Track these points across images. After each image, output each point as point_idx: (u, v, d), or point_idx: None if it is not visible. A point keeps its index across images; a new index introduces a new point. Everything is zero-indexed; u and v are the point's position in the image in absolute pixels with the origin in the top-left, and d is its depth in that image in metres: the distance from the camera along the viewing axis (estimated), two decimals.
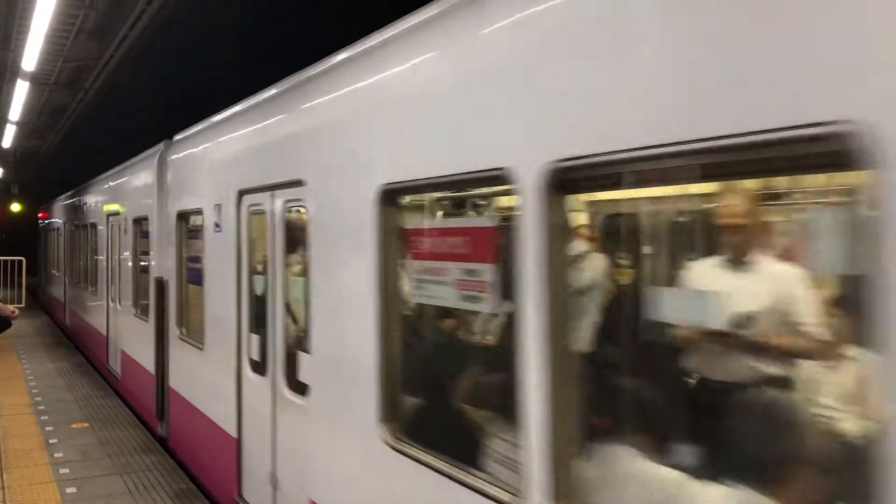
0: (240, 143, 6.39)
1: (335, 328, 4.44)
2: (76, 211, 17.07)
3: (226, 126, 6.85)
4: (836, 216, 2.35)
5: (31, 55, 12.62)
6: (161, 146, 9.15)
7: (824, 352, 2.90)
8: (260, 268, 5.87)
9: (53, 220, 22.01)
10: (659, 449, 2.84)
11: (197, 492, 7.15)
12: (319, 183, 4.67)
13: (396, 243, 3.88)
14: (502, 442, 3.20)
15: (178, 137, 8.64)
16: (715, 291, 2.76)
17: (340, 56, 4.67)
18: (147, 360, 9.32)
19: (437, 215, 4.11)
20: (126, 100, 24.31)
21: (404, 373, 3.90)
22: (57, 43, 13.54)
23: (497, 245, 3.18)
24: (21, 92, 16.25)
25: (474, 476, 3.18)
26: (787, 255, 3.10)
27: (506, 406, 2.98)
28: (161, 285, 8.58)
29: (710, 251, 3.34)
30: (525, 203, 2.76)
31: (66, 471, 7.59)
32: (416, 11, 3.83)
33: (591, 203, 3.50)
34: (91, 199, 15.14)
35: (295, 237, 5.27)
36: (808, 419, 2.78)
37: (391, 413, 3.83)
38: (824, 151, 1.93)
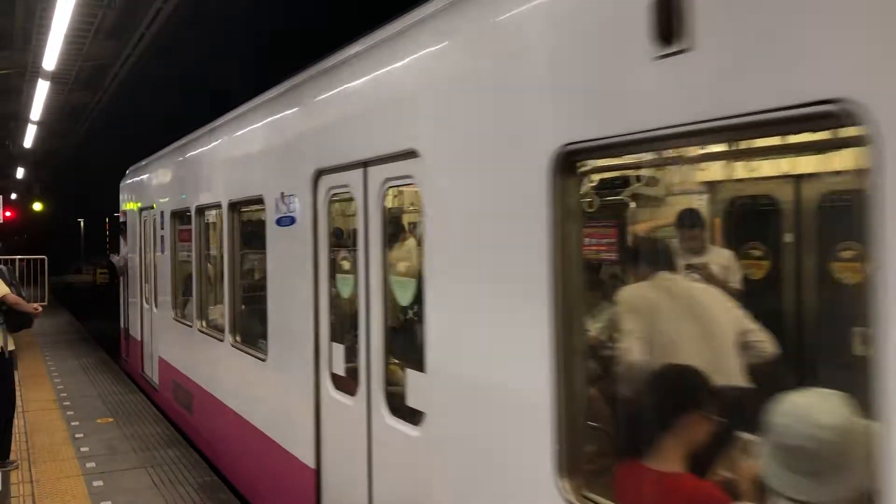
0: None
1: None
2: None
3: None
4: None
5: (51, 55, 12.74)
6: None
7: None
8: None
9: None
10: None
11: (221, 483, 7.20)
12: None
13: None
14: None
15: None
16: None
17: None
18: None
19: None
20: (143, 97, 24.55)
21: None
22: (76, 42, 13.68)
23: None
24: (42, 91, 16.41)
25: None
26: None
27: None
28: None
29: None
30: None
31: (93, 464, 7.67)
32: None
33: None
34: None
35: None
36: None
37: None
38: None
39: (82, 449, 8.21)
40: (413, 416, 3.88)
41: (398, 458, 4.02)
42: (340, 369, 4.80)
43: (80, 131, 25.30)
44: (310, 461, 5.14)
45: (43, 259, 21.72)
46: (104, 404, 10.45)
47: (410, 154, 3.78)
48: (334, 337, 4.91)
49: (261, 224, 6.28)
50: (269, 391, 6.13)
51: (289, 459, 5.57)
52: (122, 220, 13.74)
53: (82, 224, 54.76)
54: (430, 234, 3.65)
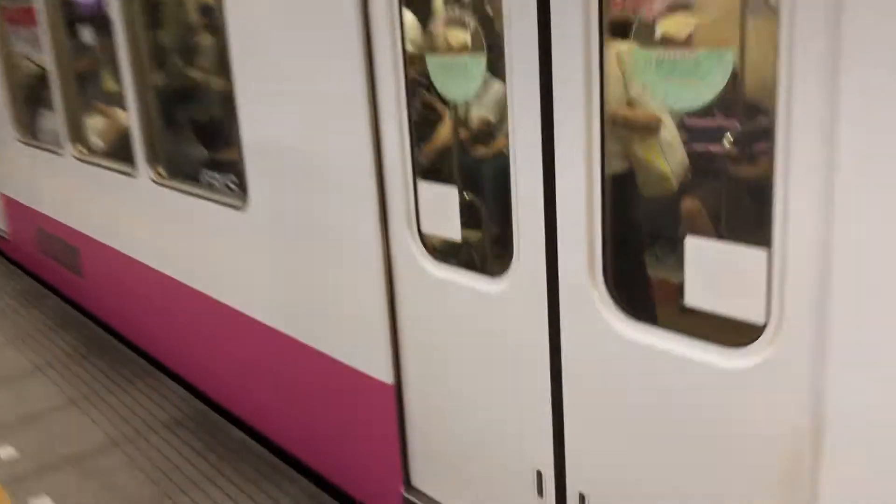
0: None
1: None
2: None
3: None
4: None
5: None
6: None
7: None
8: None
9: None
10: None
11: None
12: None
13: None
14: None
15: None
16: None
17: None
18: None
19: None
20: None
21: None
22: None
23: None
24: None
25: None
26: None
27: None
28: None
29: None
30: None
31: None
32: None
33: None
34: None
35: None
36: None
37: None
38: None
39: None
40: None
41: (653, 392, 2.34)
42: (448, 228, 2.96)
43: None
44: (383, 374, 3.32)
45: None
46: None
47: None
48: (421, 172, 2.99)
49: None
50: (252, 259, 4.02)
51: (335, 369, 3.50)
52: None
53: None
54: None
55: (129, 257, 5.39)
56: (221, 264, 4.37)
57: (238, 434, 4.81)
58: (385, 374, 3.27)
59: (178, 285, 4.85)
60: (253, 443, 4.69)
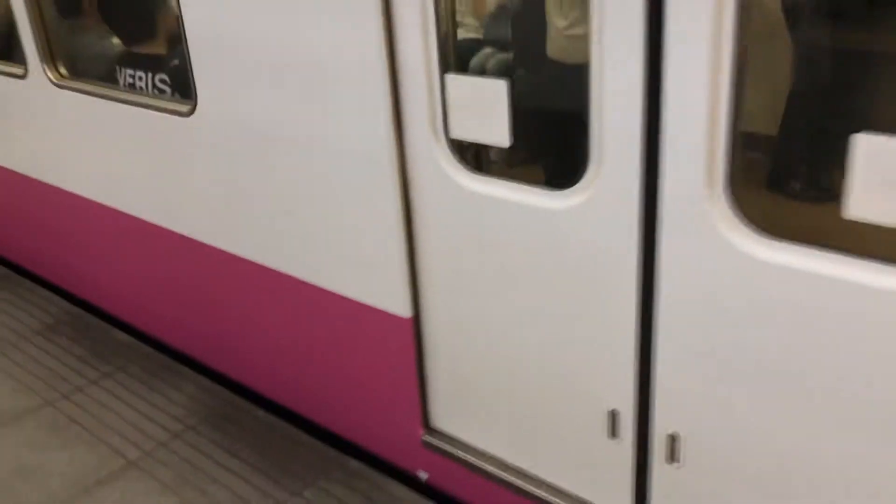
0: None
1: None
2: None
3: None
4: None
5: None
6: None
7: None
8: None
9: None
10: None
11: None
12: None
13: None
14: None
15: None
16: None
17: None
18: None
19: None
20: None
21: None
22: None
23: None
24: None
25: None
26: None
27: None
28: None
29: None
30: None
31: None
32: None
33: None
34: None
35: None
36: None
37: None
38: None
39: None
40: None
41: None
42: (468, 130, 2.38)
43: None
44: (400, 307, 2.82)
45: None
46: None
47: None
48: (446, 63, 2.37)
49: None
50: (202, 176, 3.29)
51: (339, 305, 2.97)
52: None
53: None
54: None
55: (18, 174, 4.52)
56: (154, 182, 3.64)
57: (123, 336, 4.46)
58: (401, 307, 2.78)
59: (88, 204, 4.08)
60: (140, 344, 4.37)
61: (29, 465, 3.54)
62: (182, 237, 3.62)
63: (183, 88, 3.43)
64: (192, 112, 3.19)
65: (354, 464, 3.41)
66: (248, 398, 3.89)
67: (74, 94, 3.84)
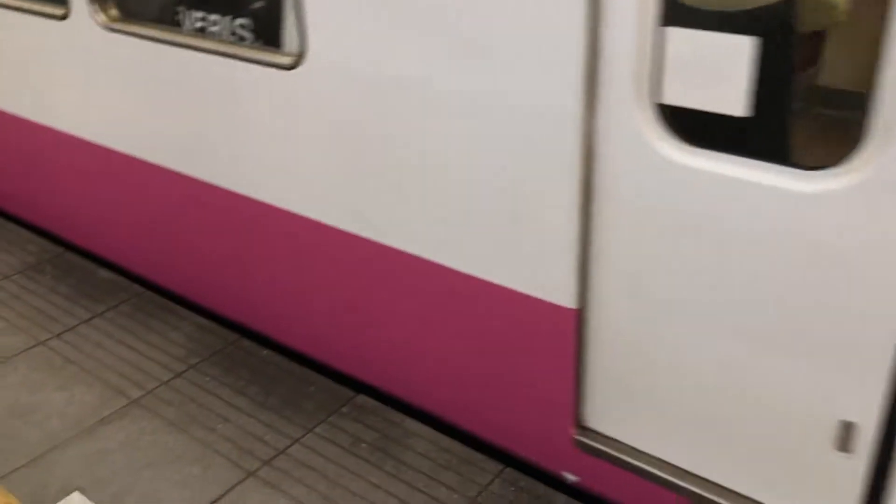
0: None
1: None
2: None
3: None
4: None
5: None
6: None
7: None
8: None
9: None
10: None
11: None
12: None
13: None
14: None
15: None
16: None
17: None
18: None
19: None
20: None
21: None
22: None
23: None
24: None
25: None
26: None
27: None
28: None
29: None
30: None
31: None
32: None
33: None
34: None
35: None
36: None
37: None
38: None
39: None
40: None
41: None
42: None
43: None
44: (565, 298, 2.44)
45: None
46: None
47: None
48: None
49: None
50: (314, 141, 2.88)
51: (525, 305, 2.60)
52: None
53: None
54: None
55: (66, 134, 3.99)
56: (240, 150, 3.16)
57: (108, 275, 4.31)
58: (566, 297, 2.41)
59: (147, 168, 3.60)
60: (129, 283, 4.22)
61: (27, 404, 3.40)
62: (286, 213, 3.16)
63: (269, 36, 2.96)
64: (296, 64, 2.72)
65: (364, 399, 3.35)
66: (249, 337, 3.76)
67: (130, 38, 3.31)
